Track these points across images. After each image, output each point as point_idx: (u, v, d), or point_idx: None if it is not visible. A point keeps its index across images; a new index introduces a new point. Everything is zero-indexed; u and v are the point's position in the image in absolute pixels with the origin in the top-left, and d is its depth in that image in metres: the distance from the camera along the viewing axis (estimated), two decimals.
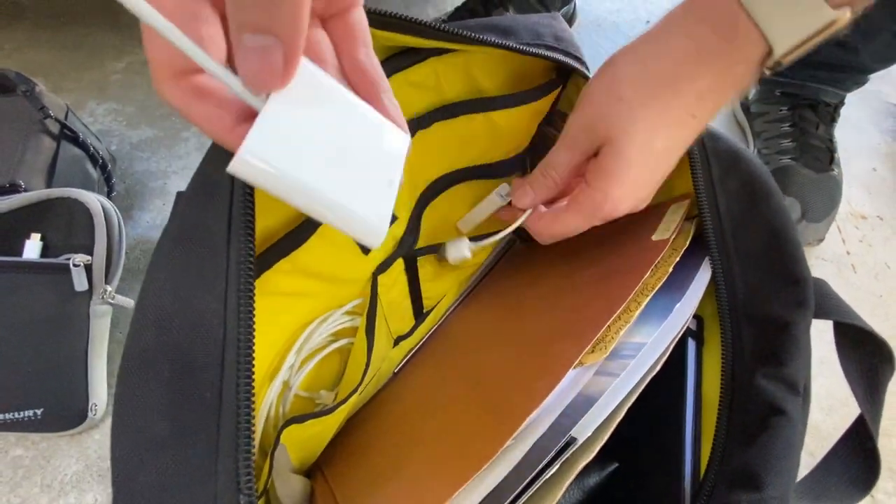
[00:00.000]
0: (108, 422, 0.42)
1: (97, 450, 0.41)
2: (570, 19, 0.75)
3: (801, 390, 0.22)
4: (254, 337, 0.17)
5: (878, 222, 0.70)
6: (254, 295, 0.17)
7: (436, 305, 0.42)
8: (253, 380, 0.18)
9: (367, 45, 0.18)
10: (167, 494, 0.17)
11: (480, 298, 0.42)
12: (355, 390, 0.30)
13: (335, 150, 0.16)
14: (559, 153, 0.27)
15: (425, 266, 0.39)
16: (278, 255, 0.25)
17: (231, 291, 0.17)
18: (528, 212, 0.29)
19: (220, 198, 0.17)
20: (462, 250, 0.35)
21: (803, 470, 0.24)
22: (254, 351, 0.17)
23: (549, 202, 0.29)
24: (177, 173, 0.57)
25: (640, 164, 0.24)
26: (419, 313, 0.42)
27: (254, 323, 0.17)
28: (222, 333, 0.17)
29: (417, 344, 0.41)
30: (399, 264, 0.36)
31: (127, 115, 0.61)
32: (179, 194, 0.19)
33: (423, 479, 0.23)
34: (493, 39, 0.26)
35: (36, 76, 0.61)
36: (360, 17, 0.18)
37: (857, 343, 0.24)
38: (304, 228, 0.25)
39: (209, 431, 0.18)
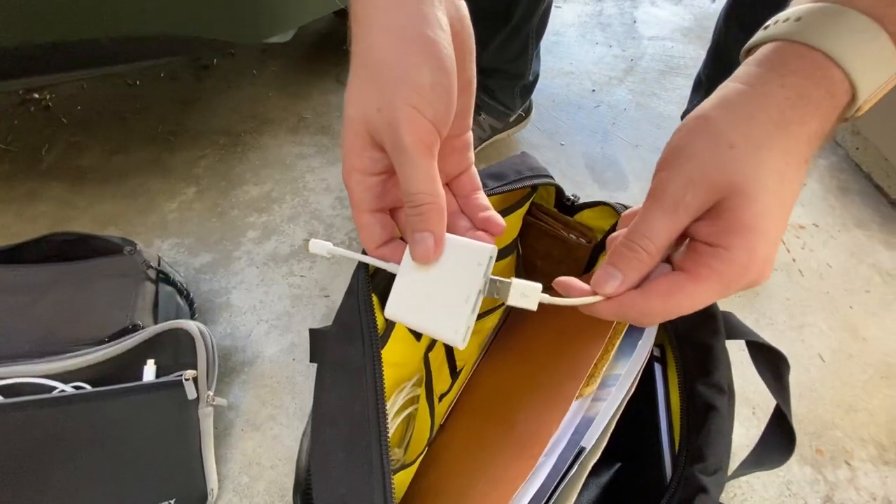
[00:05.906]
0: (222, 501, 0.52)
1: None
2: (528, 110, 0.90)
3: (726, 390, 0.34)
4: (388, 429, 0.28)
5: (815, 229, 0.83)
6: (385, 401, 0.28)
7: (464, 365, 0.54)
8: (390, 454, 0.28)
9: (479, 189, 0.29)
10: None
11: (499, 351, 0.54)
12: (428, 444, 0.41)
13: (433, 291, 0.26)
14: (655, 220, 0.22)
15: None
16: None
17: (370, 398, 0.28)
18: (598, 298, 0.24)
19: (356, 339, 0.29)
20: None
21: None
22: (389, 437, 0.28)
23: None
24: (236, 288, 0.69)
25: (774, 214, 0.21)
26: (453, 372, 0.53)
27: (387, 419, 0.28)
28: (368, 427, 0.28)
29: (455, 397, 0.52)
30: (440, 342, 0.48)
31: (187, 245, 0.73)
32: (313, 331, 0.30)
33: (484, 496, 0.34)
34: (492, 187, 0.39)
35: (108, 226, 0.74)
36: (473, 172, 0.29)
37: (760, 353, 0.36)
38: (386, 334, 0.37)
39: (369, 490, 0.27)
